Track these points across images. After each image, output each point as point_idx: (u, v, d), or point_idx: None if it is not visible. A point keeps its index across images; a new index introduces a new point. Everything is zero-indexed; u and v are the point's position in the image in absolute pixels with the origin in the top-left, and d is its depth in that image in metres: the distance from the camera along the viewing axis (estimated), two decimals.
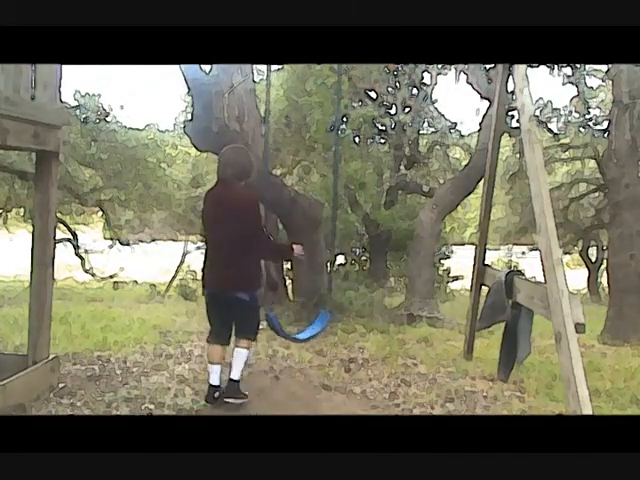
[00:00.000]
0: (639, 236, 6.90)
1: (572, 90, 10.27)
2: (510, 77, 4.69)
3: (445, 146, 11.72)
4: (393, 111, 10.06)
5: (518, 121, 7.77)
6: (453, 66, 8.82)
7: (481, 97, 8.65)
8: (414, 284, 8.02)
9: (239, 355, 4.06)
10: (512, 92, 4.98)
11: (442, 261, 11.83)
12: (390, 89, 9.84)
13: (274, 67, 9.46)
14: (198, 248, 12.66)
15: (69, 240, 11.76)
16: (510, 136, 10.17)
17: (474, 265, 5.43)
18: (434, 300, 8.20)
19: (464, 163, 10.28)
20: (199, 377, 4.71)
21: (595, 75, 9.97)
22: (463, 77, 8.58)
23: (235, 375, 4.03)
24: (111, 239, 12.46)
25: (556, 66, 9.20)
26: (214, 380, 3.99)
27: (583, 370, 3.29)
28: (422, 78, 9.95)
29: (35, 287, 4.11)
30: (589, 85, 10.31)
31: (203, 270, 4.02)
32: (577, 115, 10.81)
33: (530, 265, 11.38)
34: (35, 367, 4.02)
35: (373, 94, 10.04)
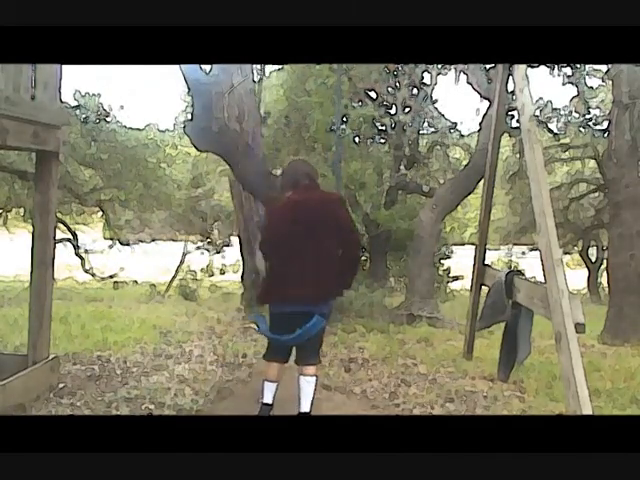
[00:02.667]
0: (639, 236, 6.90)
1: (572, 90, 10.29)
2: (510, 77, 4.69)
3: (445, 146, 11.72)
4: (393, 111, 10.05)
5: (518, 121, 7.77)
6: (453, 66, 8.82)
7: (481, 97, 8.65)
8: (414, 284, 8.01)
9: (308, 384, 3.62)
10: (512, 92, 4.97)
11: (442, 261, 11.82)
12: (390, 89, 9.84)
13: (274, 67, 9.49)
14: (198, 248, 12.67)
15: (69, 240, 11.76)
16: (510, 136, 10.18)
17: (474, 265, 5.43)
18: (434, 300, 8.20)
19: (464, 163, 10.28)
20: (199, 377, 4.71)
21: (595, 75, 9.97)
22: (463, 77, 8.58)
23: (306, 407, 3.58)
24: (111, 239, 12.47)
25: (556, 66, 9.20)
26: (268, 398, 3.63)
27: (583, 370, 3.29)
28: (422, 78, 9.95)
29: (35, 287, 4.11)
30: (589, 85, 10.32)
31: (269, 284, 3.66)
32: (577, 115, 10.81)
33: (530, 265, 11.37)
34: (35, 367, 4.02)
35: (373, 94, 10.04)
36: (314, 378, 3.64)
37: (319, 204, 3.56)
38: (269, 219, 3.76)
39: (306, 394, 3.60)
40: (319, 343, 3.69)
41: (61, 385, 4.24)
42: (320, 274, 3.48)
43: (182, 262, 12.45)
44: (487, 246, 5.55)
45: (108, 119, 11.16)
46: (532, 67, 7.07)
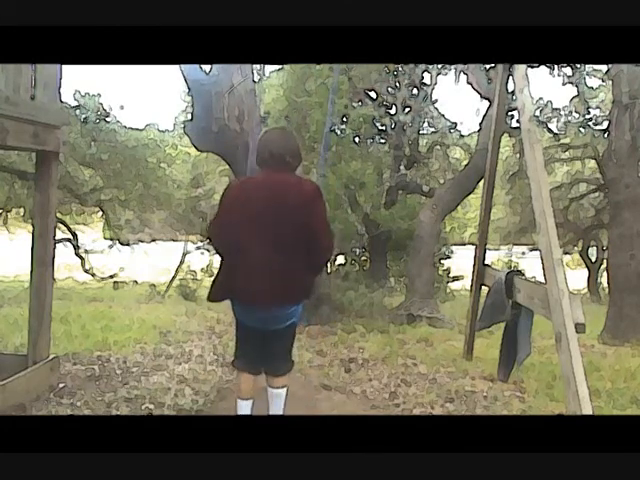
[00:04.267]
0: (639, 236, 6.90)
1: (572, 90, 10.29)
2: (510, 77, 4.69)
3: (445, 146, 11.72)
4: (393, 111, 10.06)
5: (518, 121, 7.78)
6: (453, 66, 8.82)
7: (481, 97, 8.65)
8: (414, 284, 8.02)
9: (278, 398, 3.17)
10: (512, 92, 4.98)
11: (442, 261, 11.82)
12: (390, 89, 9.84)
13: (274, 67, 9.49)
14: (198, 248, 12.66)
15: (69, 240, 11.75)
16: (510, 136, 10.17)
17: (474, 265, 5.43)
18: (434, 300, 8.20)
19: (464, 163, 10.28)
20: (199, 377, 4.71)
21: (595, 75, 9.97)
22: (463, 77, 8.58)
23: None
24: (111, 239, 12.45)
25: (556, 66, 9.20)
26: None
27: (583, 370, 3.29)
28: (422, 78, 9.95)
29: (35, 287, 4.11)
30: (589, 85, 10.32)
31: (227, 278, 3.02)
32: (577, 115, 10.81)
33: (530, 265, 11.37)
34: (35, 367, 4.02)
35: (373, 94, 10.04)
36: (284, 390, 3.17)
37: (286, 190, 2.85)
38: (220, 201, 3.01)
39: (276, 409, 3.15)
40: (290, 347, 3.21)
41: (61, 385, 4.24)
42: (277, 272, 2.84)
43: (182, 262, 12.44)
44: (487, 246, 5.55)
45: (108, 119, 11.16)
46: (532, 67, 7.08)
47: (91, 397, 4.09)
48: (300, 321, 3.26)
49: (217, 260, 10.87)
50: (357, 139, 10.09)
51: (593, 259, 13.58)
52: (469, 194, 8.60)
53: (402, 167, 11.00)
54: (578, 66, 9.61)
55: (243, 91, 7.74)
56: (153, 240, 13.40)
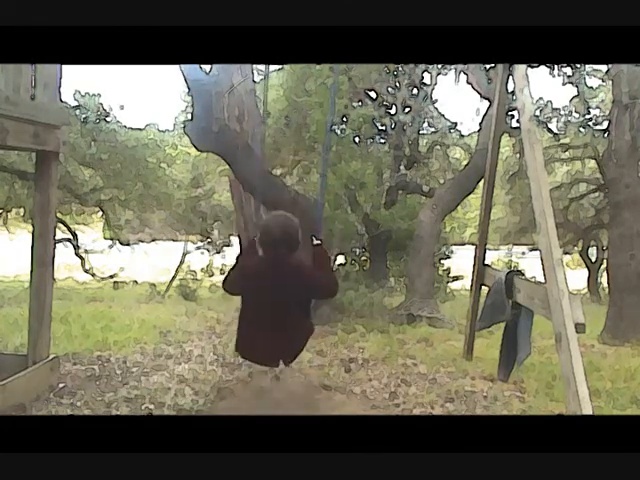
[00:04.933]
0: (639, 236, 6.90)
1: (572, 90, 10.28)
2: (510, 77, 4.69)
3: (445, 146, 11.71)
4: (393, 111, 10.05)
5: (518, 121, 7.77)
6: (453, 66, 8.83)
7: (481, 97, 8.66)
8: (414, 284, 8.02)
9: None
10: (512, 92, 4.98)
11: (442, 261, 11.81)
12: (390, 89, 9.84)
13: (274, 67, 9.48)
14: (198, 248, 12.65)
15: (69, 240, 11.74)
16: (510, 136, 10.17)
17: (474, 265, 5.43)
18: (434, 300, 8.20)
19: (464, 163, 10.28)
20: (199, 377, 4.71)
21: (595, 75, 9.97)
22: (463, 77, 8.60)
23: None
24: (111, 239, 12.43)
25: (556, 66, 9.20)
26: None
27: (583, 370, 3.29)
28: (422, 78, 9.95)
29: (35, 287, 4.11)
30: (589, 85, 10.32)
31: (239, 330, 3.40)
32: (577, 115, 10.80)
33: (530, 265, 11.37)
34: (35, 367, 4.03)
35: (373, 94, 10.04)
36: None
37: (289, 272, 3.25)
38: (239, 267, 3.44)
39: None
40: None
41: (61, 385, 4.24)
42: (284, 339, 3.26)
43: (182, 262, 12.43)
44: (487, 246, 5.55)
45: (108, 119, 11.14)
46: (532, 67, 7.08)
47: (91, 397, 4.09)
48: None
49: (217, 260, 10.72)
50: (357, 139, 10.09)
51: (593, 259, 13.57)
52: (469, 194, 8.60)
53: (402, 167, 11.00)
54: (578, 66, 9.61)
55: (243, 91, 7.75)
56: (153, 240, 13.39)
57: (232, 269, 3.42)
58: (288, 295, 3.25)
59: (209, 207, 12.64)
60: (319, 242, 3.43)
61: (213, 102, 6.85)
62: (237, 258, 3.55)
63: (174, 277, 12.11)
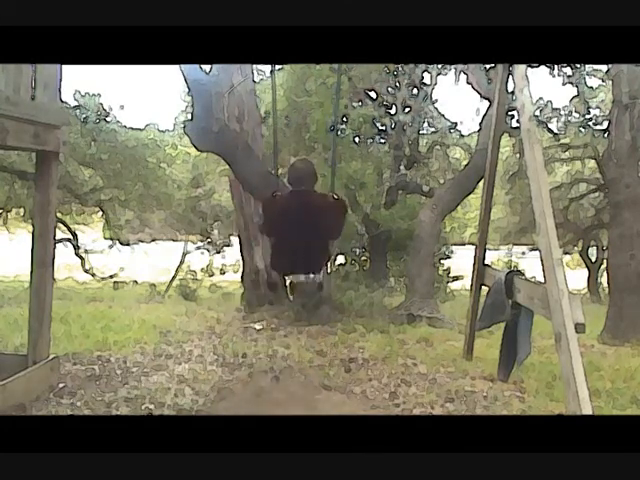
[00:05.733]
0: (639, 236, 6.90)
1: (572, 90, 10.28)
2: (510, 77, 4.69)
3: (445, 146, 11.72)
4: (393, 111, 10.05)
5: (518, 121, 7.76)
6: (453, 66, 8.82)
7: (481, 97, 8.65)
8: (414, 284, 8.01)
9: None
10: (512, 92, 4.97)
11: (442, 261, 11.82)
12: (390, 89, 9.84)
13: (275, 67, 9.47)
14: (198, 248, 12.66)
15: (69, 240, 11.75)
16: (510, 136, 10.17)
17: (474, 265, 5.43)
18: (434, 300, 8.20)
19: (464, 163, 10.27)
20: (199, 377, 4.71)
21: (595, 75, 9.97)
22: (463, 77, 8.59)
23: None
24: (111, 239, 12.44)
25: (556, 66, 9.20)
26: None
27: (583, 370, 3.29)
28: (422, 78, 9.95)
29: (35, 287, 4.11)
30: (589, 85, 10.32)
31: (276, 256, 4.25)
32: (577, 115, 10.81)
33: (530, 265, 11.37)
34: (35, 367, 4.03)
35: (373, 94, 10.04)
36: None
37: (308, 204, 3.98)
38: (268, 208, 4.19)
39: None
40: None
41: (61, 385, 4.24)
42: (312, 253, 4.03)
43: (182, 262, 12.44)
44: (487, 246, 5.55)
45: (108, 119, 11.14)
46: (532, 67, 7.08)
47: (91, 397, 4.09)
48: None
49: (217, 260, 10.72)
50: (357, 139, 10.09)
51: (593, 259, 13.58)
52: (469, 194, 8.59)
53: (402, 167, 11.00)
54: (578, 66, 9.61)
55: (243, 91, 7.75)
56: (153, 240, 13.40)
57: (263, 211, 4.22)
58: (312, 224, 3.90)
59: (209, 207, 12.64)
60: (337, 197, 4.12)
61: (213, 102, 6.85)
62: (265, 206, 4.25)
63: (174, 277, 12.12)
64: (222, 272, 12.44)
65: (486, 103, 8.47)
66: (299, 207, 3.99)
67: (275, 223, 4.13)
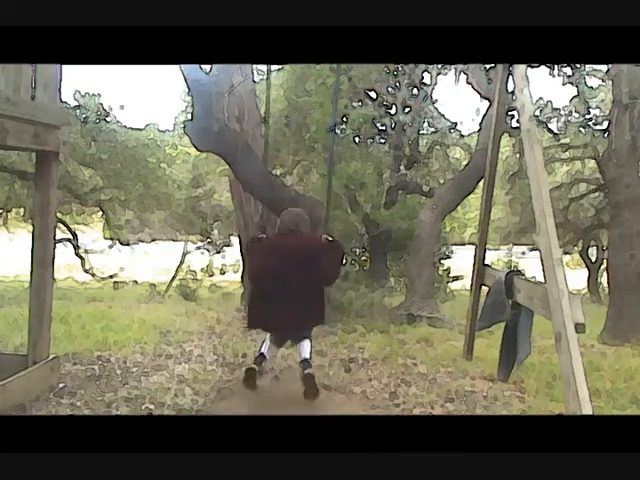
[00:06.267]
0: (639, 236, 6.90)
1: (572, 90, 10.28)
2: (510, 77, 4.69)
3: (445, 146, 11.71)
4: (393, 111, 10.04)
5: (518, 121, 7.76)
6: (453, 66, 8.82)
7: (481, 97, 8.66)
8: (414, 284, 8.01)
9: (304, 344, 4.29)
10: (512, 92, 4.97)
11: (442, 261, 11.81)
12: (390, 89, 9.83)
13: (274, 67, 9.48)
14: (198, 248, 12.66)
15: (69, 240, 11.74)
16: (510, 136, 10.17)
17: (474, 265, 5.43)
18: (434, 300, 8.20)
19: (464, 163, 10.28)
20: (199, 377, 4.71)
21: (595, 75, 9.97)
22: (463, 77, 8.59)
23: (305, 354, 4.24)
24: (111, 239, 12.43)
25: (556, 66, 9.20)
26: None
27: (583, 370, 3.29)
28: (422, 78, 9.94)
29: (35, 287, 4.11)
30: (589, 85, 10.31)
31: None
32: (577, 115, 10.80)
33: (530, 265, 11.37)
34: (35, 367, 4.02)
35: (373, 94, 10.03)
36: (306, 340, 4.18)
37: (298, 245, 3.84)
38: (252, 254, 4.16)
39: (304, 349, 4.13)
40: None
41: (61, 385, 4.24)
42: (298, 307, 3.80)
43: (182, 262, 12.43)
44: (487, 246, 5.55)
45: (108, 119, 11.13)
46: (532, 67, 7.07)
47: (91, 397, 4.08)
48: None
49: (217, 260, 10.74)
50: (357, 139, 10.09)
51: (593, 259, 13.57)
52: (469, 194, 8.59)
53: (402, 167, 10.99)
54: (578, 66, 9.60)
55: (243, 91, 7.74)
56: (153, 240, 13.39)
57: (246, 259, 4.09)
58: (296, 271, 3.65)
59: (209, 207, 12.64)
60: (332, 238, 3.94)
61: (213, 102, 6.85)
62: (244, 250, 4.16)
63: (174, 277, 12.12)
64: (222, 272, 12.44)
65: (486, 103, 8.47)
66: (286, 251, 3.71)
67: (257, 270, 3.89)
